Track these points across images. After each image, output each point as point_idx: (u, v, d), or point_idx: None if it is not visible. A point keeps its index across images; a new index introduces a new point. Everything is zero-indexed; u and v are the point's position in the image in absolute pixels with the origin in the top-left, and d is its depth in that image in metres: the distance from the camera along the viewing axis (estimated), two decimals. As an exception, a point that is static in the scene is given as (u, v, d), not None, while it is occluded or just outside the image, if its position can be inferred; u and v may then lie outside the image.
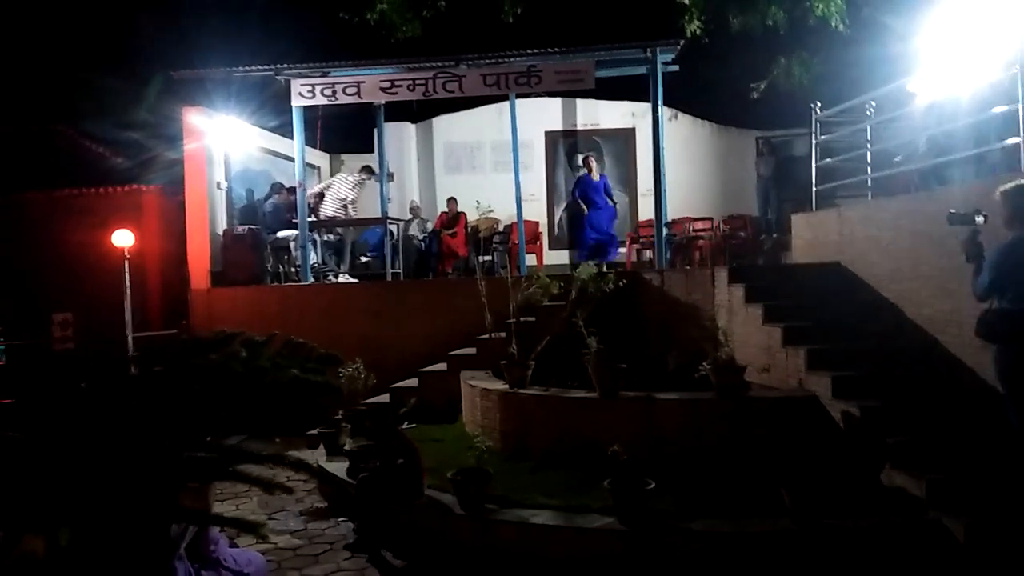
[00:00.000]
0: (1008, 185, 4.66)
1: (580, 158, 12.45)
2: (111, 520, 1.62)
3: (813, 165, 8.79)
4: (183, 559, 2.94)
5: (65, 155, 14.06)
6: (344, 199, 11.41)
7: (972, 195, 5.59)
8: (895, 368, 6.13)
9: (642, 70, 10.86)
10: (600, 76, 10.69)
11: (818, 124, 8.80)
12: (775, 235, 12.10)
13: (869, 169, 8.34)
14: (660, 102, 10.59)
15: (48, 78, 14.03)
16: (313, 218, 11.30)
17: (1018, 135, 5.71)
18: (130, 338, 9.54)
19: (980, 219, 4.71)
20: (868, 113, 8.12)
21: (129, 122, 13.68)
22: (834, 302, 7.12)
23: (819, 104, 8.79)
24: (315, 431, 7.55)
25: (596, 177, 11.60)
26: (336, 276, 11.36)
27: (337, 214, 11.39)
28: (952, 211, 4.90)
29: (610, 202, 11.60)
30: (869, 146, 8.25)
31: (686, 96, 13.33)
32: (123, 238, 9.36)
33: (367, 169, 11.85)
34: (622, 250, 13.29)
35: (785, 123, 13.12)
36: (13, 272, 10.86)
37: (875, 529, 4.65)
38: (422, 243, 12.29)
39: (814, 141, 8.79)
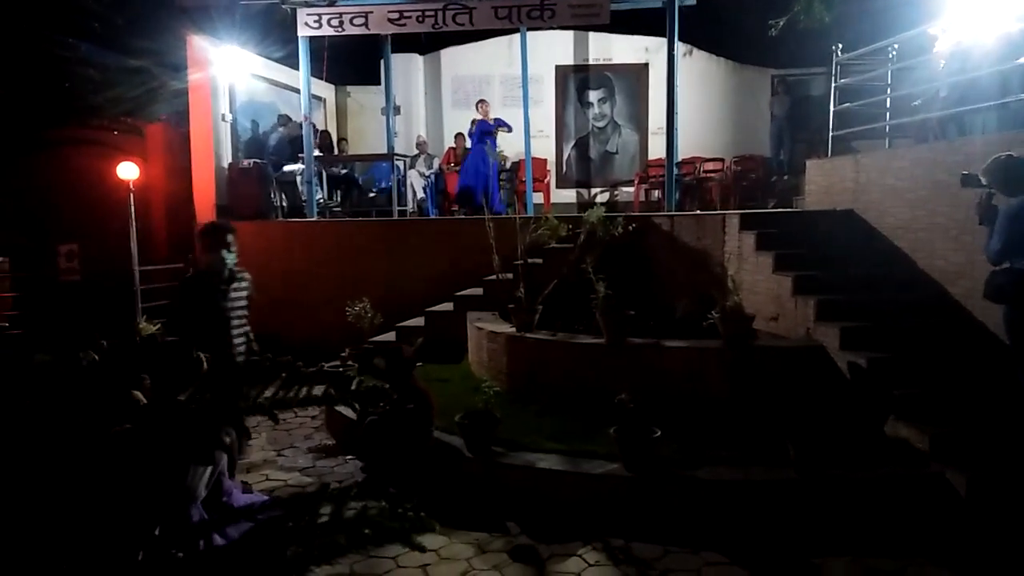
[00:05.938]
0: (985, 164, 4.77)
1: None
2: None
3: (831, 109, 8.59)
4: (198, 507, 2.99)
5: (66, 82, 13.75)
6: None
7: (993, 147, 5.47)
8: (904, 320, 6.11)
9: (658, 3, 10.55)
10: (615, 9, 10.37)
11: (838, 67, 8.55)
12: (787, 177, 11.94)
13: (888, 115, 8.15)
14: (676, 37, 10.31)
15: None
16: (319, 152, 11.14)
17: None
18: (136, 271, 9.53)
19: None
20: (890, 56, 7.89)
21: (132, 48, 13.34)
22: (846, 251, 7.06)
23: (840, 46, 8.52)
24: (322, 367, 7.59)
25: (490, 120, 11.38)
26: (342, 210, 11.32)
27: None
28: (965, 172, 4.85)
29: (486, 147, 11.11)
30: (889, 91, 8.05)
31: (702, 31, 12.95)
32: (128, 170, 9.25)
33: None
34: (629, 189, 13.16)
35: (802, 62, 12.78)
36: (20, 203, 10.76)
37: (877, 480, 4.71)
38: (429, 180, 12.17)
39: (833, 85, 8.56)
